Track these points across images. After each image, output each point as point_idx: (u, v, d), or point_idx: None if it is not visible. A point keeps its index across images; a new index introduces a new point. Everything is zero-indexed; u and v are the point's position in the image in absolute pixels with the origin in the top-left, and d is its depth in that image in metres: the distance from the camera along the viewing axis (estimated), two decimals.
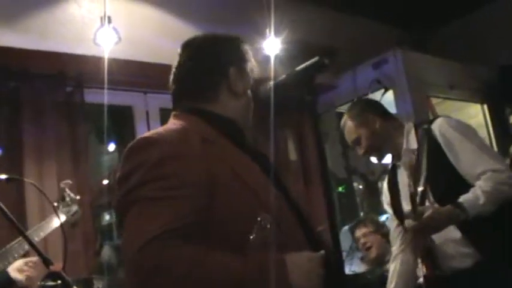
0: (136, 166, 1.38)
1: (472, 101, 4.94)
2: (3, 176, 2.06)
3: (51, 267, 1.72)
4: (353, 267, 3.86)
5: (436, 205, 2.27)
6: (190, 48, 1.67)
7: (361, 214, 4.60)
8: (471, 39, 5.15)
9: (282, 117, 4.01)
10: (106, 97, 3.25)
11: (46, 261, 1.74)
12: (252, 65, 1.70)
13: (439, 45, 5.19)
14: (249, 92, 1.67)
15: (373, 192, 4.83)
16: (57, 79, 3.28)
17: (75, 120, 3.33)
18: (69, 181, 2.81)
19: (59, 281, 1.73)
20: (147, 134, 1.50)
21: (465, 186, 2.27)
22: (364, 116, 2.58)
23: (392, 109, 4.17)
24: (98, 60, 3.27)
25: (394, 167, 2.66)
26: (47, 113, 3.20)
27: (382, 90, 4.11)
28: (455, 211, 2.18)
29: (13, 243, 2.34)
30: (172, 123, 1.54)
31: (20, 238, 2.21)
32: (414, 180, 2.30)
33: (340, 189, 4.91)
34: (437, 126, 2.40)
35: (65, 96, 3.32)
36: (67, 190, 2.73)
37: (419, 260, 2.45)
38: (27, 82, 3.16)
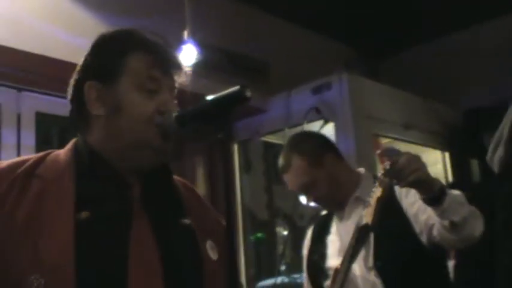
0: None
1: (431, 146, 4.52)
2: None
3: None
4: None
5: (372, 273, 2.12)
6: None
7: (283, 268, 4.19)
8: (430, 72, 4.77)
9: (191, 144, 3.77)
10: None
11: None
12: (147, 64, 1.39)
13: (393, 74, 4.77)
14: (130, 108, 1.39)
15: (300, 240, 4.47)
16: None
17: None
18: None
19: None
20: None
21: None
22: (321, 154, 2.26)
23: None
24: None
25: (330, 216, 2.40)
26: None
27: (321, 122, 3.66)
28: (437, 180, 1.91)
29: None
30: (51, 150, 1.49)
31: None
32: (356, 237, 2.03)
33: (259, 235, 4.54)
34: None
35: None
36: None
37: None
38: None
